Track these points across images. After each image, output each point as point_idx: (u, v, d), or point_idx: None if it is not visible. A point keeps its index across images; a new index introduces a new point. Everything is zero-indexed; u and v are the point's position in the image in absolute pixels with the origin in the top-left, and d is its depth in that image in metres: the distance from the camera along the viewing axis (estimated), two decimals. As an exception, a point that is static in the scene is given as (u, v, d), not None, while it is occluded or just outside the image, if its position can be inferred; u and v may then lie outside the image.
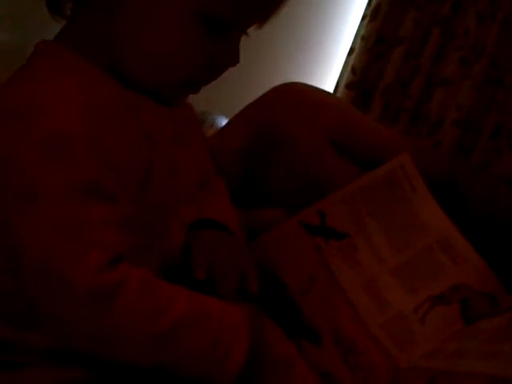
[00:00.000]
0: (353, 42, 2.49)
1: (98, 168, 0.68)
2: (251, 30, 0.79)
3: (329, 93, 1.64)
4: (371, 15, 2.43)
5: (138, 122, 0.75)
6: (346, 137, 1.36)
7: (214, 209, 0.91)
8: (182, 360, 0.71)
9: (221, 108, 1.78)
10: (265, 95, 1.43)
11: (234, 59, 0.78)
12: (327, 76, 2.58)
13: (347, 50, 2.50)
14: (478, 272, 1.05)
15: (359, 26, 2.47)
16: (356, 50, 2.47)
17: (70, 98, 0.69)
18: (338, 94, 2.49)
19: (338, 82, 2.53)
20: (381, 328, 0.99)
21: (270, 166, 1.34)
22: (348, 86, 2.48)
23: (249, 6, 0.74)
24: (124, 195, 0.71)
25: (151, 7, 0.72)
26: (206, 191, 0.92)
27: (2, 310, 0.74)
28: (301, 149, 1.33)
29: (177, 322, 0.68)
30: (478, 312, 1.00)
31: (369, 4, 2.45)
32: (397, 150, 1.36)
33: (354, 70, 2.47)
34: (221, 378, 0.71)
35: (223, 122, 1.79)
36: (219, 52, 0.76)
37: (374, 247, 1.06)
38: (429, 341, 0.97)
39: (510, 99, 2.33)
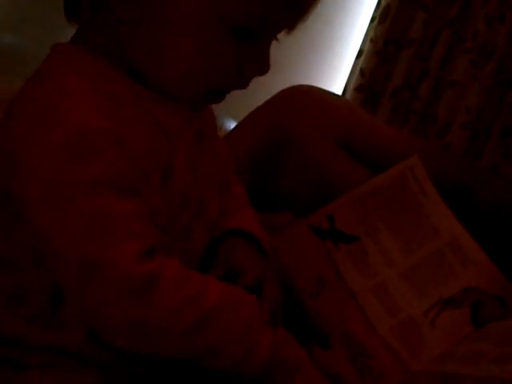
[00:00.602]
0: (361, 45, 2.49)
1: (121, 162, 0.69)
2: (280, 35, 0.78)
3: (338, 95, 1.64)
4: (380, 18, 2.43)
5: (156, 120, 0.75)
6: (356, 139, 1.36)
7: (240, 218, 0.92)
8: (217, 346, 0.72)
9: (229, 111, 1.77)
10: (273, 98, 1.43)
11: (264, 68, 0.76)
12: (336, 78, 2.58)
13: (356, 53, 2.50)
14: (488, 275, 1.05)
15: (368, 29, 2.47)
16: (365, 53, 2.47)
17: (87, 95, 0.69)
18: (347, 97, 2.49)
19: (346, 85, 2.53)
20: (390, 331, 0.98)
21: (280, 169, 1.33)
22: (357, 88, 2.48)
23: (277, 15, 0.73)
24: (148, 189, 0.72)
25: (178, 20, 0.71)
26: (229, 197, 0.92)
27: (26, 309, 0.74)
28: (311, 151, 1.33)
29: (213, 307, 0.70)
30: (489, 315, 0.99)
31: (377, 6, 2.45)
32: (407, 152, 1.36)
33: (362, 73, 2.47)
34: (246, 368, 0.73)
35: (232, 125, 1.79)
36: (248, 61, 0.75)
37: (384, 250, 1.06)
38: (439, 344, 0.97)
39: (519, 101, 2.33)
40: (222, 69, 0.74)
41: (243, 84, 0.77)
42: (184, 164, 0.77)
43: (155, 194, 0.73)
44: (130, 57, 0.74)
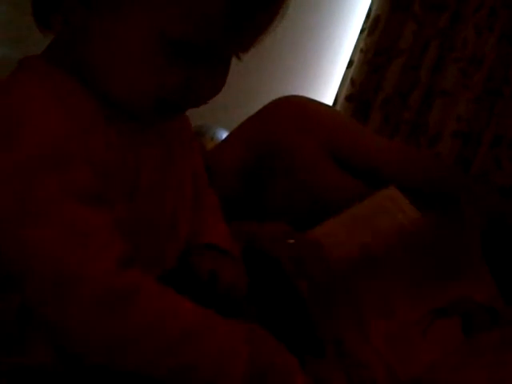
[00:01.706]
0: (352, 55, 2.50)
1: (88, 175, 0.68)
2: (244, 53, 0.76)
3: (327, 105, 1.64)
4: (370, 28, 2.44)
5: (121, 135, 0.75)
6: (346, 150, 1.36)
7: (211, 233, 0.92)
8: (191, 366, 0.70)
9: (221, 121, 1.78)
10: (264, 109, 1.44)
11: (212, 89, 0.75)
12: (327, 88, 2.59)
13: (346, 63, 2.51)
14: (481, 285, 1.05)
15: (358, 39, 2.48)
16: (355, 63, 2.47)
17: (50, 109, 0.69)
18: (338, 107, 2.50)
19: (337, 95, 2.53)
20: (384, 340, 0.98)
21: (271, 177, 1.34)
22: (347, 98, 2.49)
23: (221, 35, 0.71)
24: (116, 202, 0.71)
25: (116, 31, 0.71)
26: (200, 211, 0.92)
27: None
28: (300, 162, 1.33)
29: (187, 326, 0.69)
30: (480, 325, 1.00)
31: (367, 17, 2.46)
32: (395, 161, 1.36)
33: (353, 83, 2.48)
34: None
35: (223, 134, 1.79)
36: (196, 80, 0.73)
37: None
38: (430, 353, 0.97)
39: (509, 110, 2.34)
40: (165, 83, 0.73)
41: (195, 102, 0.76)
42: (152, 182, 0.77)
43: (123, 209, 0.72)
44: (84, 71, 0.74)
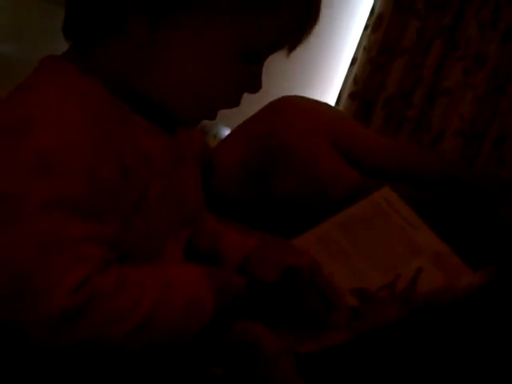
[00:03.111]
0: (355, 53, 2.50)
1: (83, 186, 0.67)
2: None
3: (326, 104, 1.65)
4: (373, 26, 2.44)
5: (138, 144, 0.75)
6: (344, 144, 1.37)
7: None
8: (166, 333, 0.72)
9: (223, 119, 1.78)
10: (266, 108, 1.45)
11: (258, 87, 0.81)
12: (330, 86, 2.59)
13: (349, 61, 2.51)
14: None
15: (361, 37, 2.49)
16: (358, 61, 2.48)
17: (66, 116, 0.69)
18: (341, 105, 2.50)
19: (340, 93, 2.54)
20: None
21: (272, 176, 1.34)
22: (350, 96, 2.49)
23: (285, 37, 0.78)
24: (112, 216, 0.71)
25: (199, 47, 0.74)
26: (201, 234, 0.95)
27: None
28: (302, 160, 1.34)
29: (152, 305, 0.69)
30: None
31: (371, 14, 2.46)
32: (394, 158, 1.37)
33: (356, 81, 2.48)
34: (196, 329, 0.74)
35: (226, 132, 1.79)
36: (249, 82, 0.80)
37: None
38: None
39: (513, 109, 2.34)
40: (227, 91, 0.79)
41: (238, 103, 0.81)
42: (160, 189, 0.77)
43: (124, 222, 0.73)
44: (136, 83, 0.76)
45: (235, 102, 0.81)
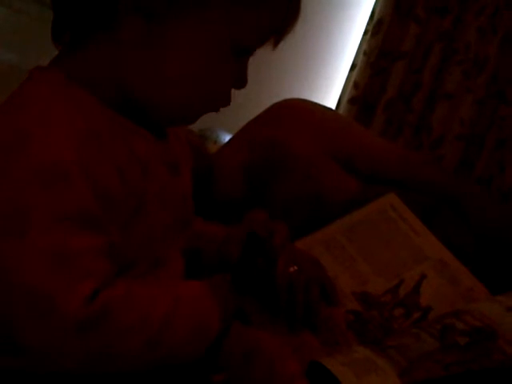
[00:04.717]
0: (355, 58, 2.50)
1: (88, 197, 0.68)
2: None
3: (329, 108, 1.65)
4: (373, 30, 2.44)
5: (132, 150, 0.75)
6: (348, 152, 1.37)
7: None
8: (172, 352, 0.73)
9: (223, 124, 1.78)
10: (266, 112, 1.44)
11: (245, 82, 0.81)
12: (330, 91, 2.59)
13: (349, 66, 2.52)
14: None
15: (361, 42, 2.49)
16: (358, 66, 2.48)
17: (61, 126, 0.69)
18: (341, 109, 2.50)
19: (340, 97, 2.54)
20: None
21: (273, 181, 1.34)
22: (350, 101, 2.49)
23: (269, 33, 0.78)
24: (112, 225, 0.71)
25: (192, 45, 0.74)
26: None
27: None
28: (303, 165, 1.33)
29: (160, 323, 0.70)
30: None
31: (370, 19, 2.46)
32: (398, 164, 1.37)
33: (356, 85, 2.48)
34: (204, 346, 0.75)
35: (226, 138, 1.80)
36: (238, 78, 0.80)
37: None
38: None
39: (512, 113, 2.34)
40: (222, 88, 0.79)
41: (229, 101, 0.81)
42: (157, 197, 0.78)
43: (122, 228, 0.73)
44: (126, 82, 0.75)
45: (227, 100, 0.80)
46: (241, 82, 0.80)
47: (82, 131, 0.70)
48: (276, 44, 0.80)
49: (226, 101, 0.80)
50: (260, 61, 0.83)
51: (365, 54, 2.46)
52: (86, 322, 0.65)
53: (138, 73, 0.75)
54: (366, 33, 2.47)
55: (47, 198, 0.66)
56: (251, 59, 0.81)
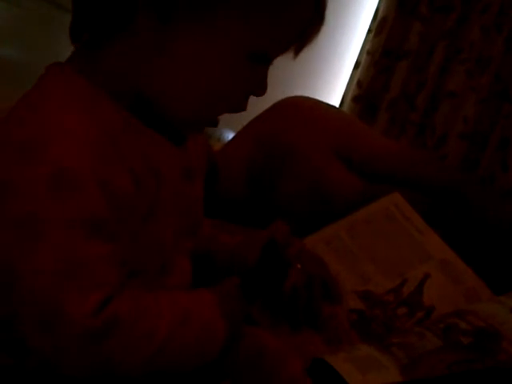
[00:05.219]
0: (358, 56, 2.50)
1: (101, 204, 0.68)
2: None
3: (332, 106, 1.64)
4: (376, 29, 2.44)
5: (146, 156, 0.75)
6: (352, 150, 1.37)
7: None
8: (178, 363, 0.74)
9: (227, 122, 1.78)
10: (269, 109, 1.44)
11: (264, 90, 0.80)
12: (333, 90, 2.59)
13: (353, 64, 2.52)
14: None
15: (365, 40, 2.49)
16: (362, 64, 2.48)
17: (77, 131, 0.68)
18: (345, 108, 2.50)
19: (344, 96, 2.54)
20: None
21: (277, 178, 1.34)
22: (354, 99, 2.49)
23: (290, 41, 0.77)
24: (124, 231, 0.71)
25: (209, 52, 0.73)
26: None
27: None
28: (308, 163, 1.33)
29: (169, 333, 0.71)
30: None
31: (374, 18, 2.46)
32: (401, 163, 1.37)
33: (359, 84, 2.48)
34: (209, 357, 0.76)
35: (230, 135, 1.80)
36: (256, 85, 0.79)
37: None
38: None
39: (516, 112, 2.34)
40: (237, 95, 0.78)
41: (245, 106, 0.80)
42: (168, 204, 0.77)
43: (132, 235, 0.73)
44: (143, 85, 0.75)
45: (243, 106, 0.80)
46: (260, 89, 0.79)
47: (96, 137, 0.69)
48: (298, 52, 0.79)
49: (240, 106, 0.79)
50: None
51: (368, 52, 2.46)
52: (93, 332, 0.66)
53: (150, 75, 0.74)
54: (369, 31, 2.47)
55: (60, 205, 0.66)
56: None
